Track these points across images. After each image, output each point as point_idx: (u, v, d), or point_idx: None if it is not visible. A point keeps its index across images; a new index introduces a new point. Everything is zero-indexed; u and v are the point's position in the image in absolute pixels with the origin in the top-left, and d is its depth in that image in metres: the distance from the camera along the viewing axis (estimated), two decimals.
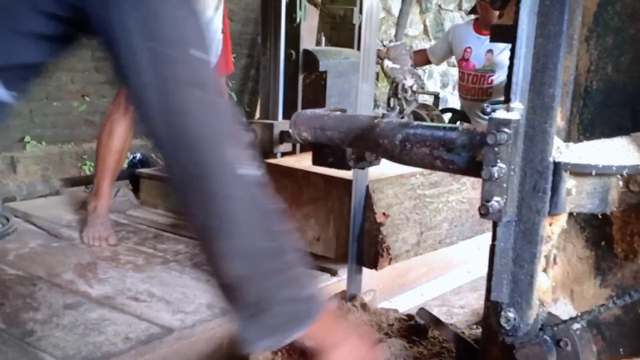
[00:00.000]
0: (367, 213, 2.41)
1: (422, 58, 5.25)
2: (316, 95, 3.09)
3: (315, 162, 1.91)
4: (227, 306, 1.14)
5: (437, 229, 2.52)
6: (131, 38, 0.93)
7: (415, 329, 2.06)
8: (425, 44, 8.25)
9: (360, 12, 3.95)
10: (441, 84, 8.65)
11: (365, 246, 2.40)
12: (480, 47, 4.81)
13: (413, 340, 2.00)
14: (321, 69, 3.14)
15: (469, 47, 4.85)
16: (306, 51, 3.17)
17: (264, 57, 3.09)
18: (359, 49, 3.85)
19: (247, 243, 1.06)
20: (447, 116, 4.93)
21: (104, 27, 0.94)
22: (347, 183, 2.42)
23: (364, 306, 2.15)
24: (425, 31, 8.27)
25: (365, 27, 1.93)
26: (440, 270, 3.02)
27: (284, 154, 3.00)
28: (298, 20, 3.11)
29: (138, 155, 4.14)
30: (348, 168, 1.88)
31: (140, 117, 1.01)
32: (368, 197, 2.39)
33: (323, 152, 1.87)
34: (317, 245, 2.60)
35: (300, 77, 3.21)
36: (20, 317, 2.30)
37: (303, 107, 3.01)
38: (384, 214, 2.39)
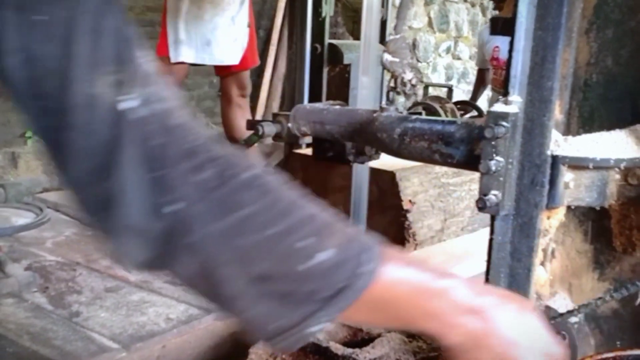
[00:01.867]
0: (393, 200, 2.54)
1: (481, 75, 5.76)
2: (339, 88, 3.20)
3: (316, 156, 1.92)
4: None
5: (460, 216, 2.62)
6: None
7: None
8: (430, 37, 8.23)
9: (382, 5, 4.03)
10: (446, 77, 8.64)
11: (390, 233, 2.50)
12: (507, 44, 4.97)
13: (413, 335, 2.00)
14: (345, 62, 3.23)
15: (497, 46, 5.31)
16: (331, 45, 3.25)
17: (290, 50, 3.23)
18: (381, 42, 3.95)
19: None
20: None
21: None
22: (374, 171, 2.51)
23: None
24: (430, 23, 8.25)
25: (365, 18, 1.93)
26: (458, 259, 3.07)
27: (309, 145, 3.08)
28: (324, 14, 3.19)
29: None
30: (348, 162, 1.88)
31: None
32: (395, 185, 2.51)
33: (323, 146, 1.88)
34: None
35: (325, 70, 3.27)
36: (65, 300, 2.48)
37: (327, 99, 3.05)
38: (410, 201, 2.51)
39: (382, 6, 3.82)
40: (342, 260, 0.82)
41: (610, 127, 1.34)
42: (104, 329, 2.27)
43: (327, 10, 3.19)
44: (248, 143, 3.17)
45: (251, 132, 2.55)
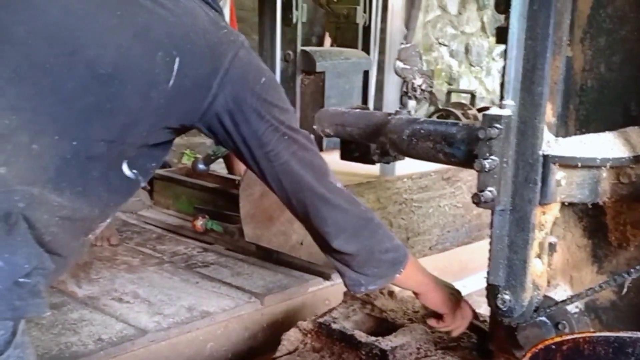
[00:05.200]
0: None
1: None
2: (314, 96, 3.07)
3: (343, 157, 2.05)
4: (338, 265, 1.53)
5: (426, 235, 2.41)
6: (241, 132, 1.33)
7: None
8: (483, 41, 8.25)
9: (365, 11, 3.82)
10: (500, 81, 8.61)
11: None
12: None
13: None
14: (318, 69, 3.09)
15: None
16: (303, 51, 3.14)
17: (260, 57, 3.11)
18: (363, 48, 3.75)
19: (349, 225, 1.46)
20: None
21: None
22: None
23: (391, 294, 2.25)
24: (483, 28, 8.27)
25: (389, 25, 2.03)
26: (454, 275, 2.96)
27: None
28: (295, 20, 3.08)
29: None
30: (372, 163, 2.00)
31: (263, 177, 1.41)
32: None
33: (349, 147, 2.00)
34: (300, 250, 2.49)
35: (299, 78, 3.18)
36: None
37: (301, 109, 3.01)
38: None
39: (364, 12, 3.77)
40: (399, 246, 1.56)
41: (604, 129, 1.43)
42: None
43: (299, 15, 3.08)
44: (216, 155, 3.20)
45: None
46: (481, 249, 2.89)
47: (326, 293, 2.60)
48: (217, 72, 1.25)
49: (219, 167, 3.75)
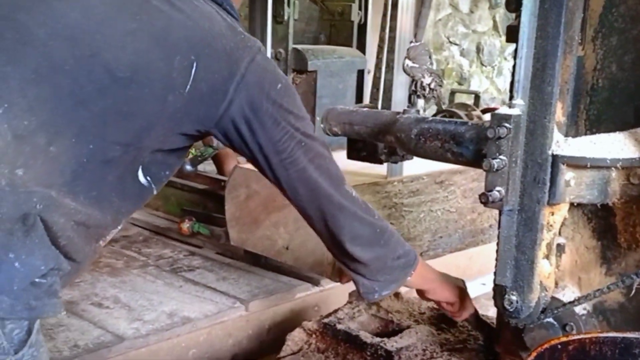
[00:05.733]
0: None
1: None
2: (306, 95, 2.97)
3: (350, 156, 2.04)
4: (352, 274, 1.56)
5: (417, 240, 2.28)
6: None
7: (445, 317, 2.14)
8: (495, 40, 8.22)
9: (360, 8, 3.76)
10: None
11: (330, 258, 2.16)
12: None
13: (442, 328, 2.08)
14: (310, 68, 3.02)
15: None
16: (295, 50, 3.06)
17: None
18: (358, 47, 3.68)
19: (365, 233, 1.49)
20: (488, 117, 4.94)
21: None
22: None
23: (396, 295, 2.24)
24: (495, 27, 8.23)
25: (400, 19, 2.02)
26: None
27: None
28: (286, 17, 3.01)
29: None
30: (380, 162, 1.99)
31: (279, 185, 1.42)
32: None
33: (356, 146, 2.00)
34: (286, 255, 2.37)
35: (290, 77, 3.10)
36: None
37: None
38: None
39: (360, 9, 3.70)
40: (409, 251, 1.61)
41: (615, 129, 1.42)
42: None
43: (291, 12, 3.00)
44: (203, 156, 3.10)
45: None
46: (478, 254, 2.87)
47: (315, 299, 2.54)
48: (234, 76, 1.26)
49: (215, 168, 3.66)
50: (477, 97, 5.56)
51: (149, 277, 2.68)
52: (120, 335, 2.21)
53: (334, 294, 2.53)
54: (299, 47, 3.10)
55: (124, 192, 1.26)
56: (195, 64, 1.22)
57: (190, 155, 3.03)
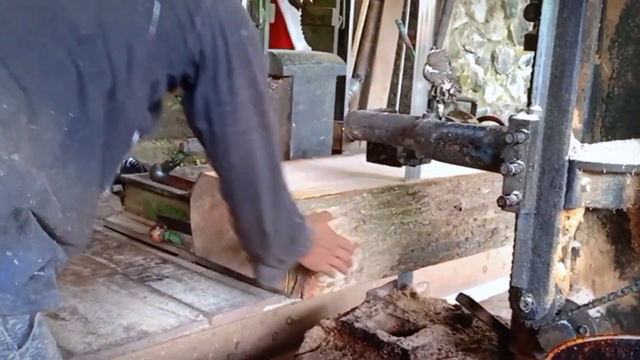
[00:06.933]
0: None
1: None
2: (282, 101, 2.83)
3: (369, 159, 2.08)
4: (253, 257, 1.65)
5: (386, 254, 2.16)
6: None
7: (460, 318, 2.17)
8: (509, 49, 8.25)
9: (341, 13, 3.73)
10: (525, 89, 8.61)
11: (290, 271, 2.06)
12: None
13: (457, 328, 2.12)
14: (286, 73, 2.88)
15: None
16: (271, 54, 2.96)
17: None
18: (339, 52, 3.60)
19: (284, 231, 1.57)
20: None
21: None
22: None
23: (413, 295, 2.28)
24: (510, 36, 8.26)
25: (420, 28, 2.05)
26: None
27: None
28: (261, 20, 2.89)
29: (129, 160, 3.77)
30: (399, 165, 2.03)
31: (210, 143, 1.36)
32: None
33: (376, 149, 2.03)
34: (249, 267, 2.02)
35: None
36: None
37: None
38: None
39: (340, 14, 3.67)
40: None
41: (630, 136, 1.46)
42: None
43: (266, 15, 2.89)
44: (174, 161, 2.96)
45: None
46: (463, 266, 2.83)
47: (288, 311, 2.43)
48: (200, 7, 1.23)
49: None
50: (473, 104, 5.48)
51: (113, 287, 2.51)
52: (69, 350, 2.03)
53: (307, 306, 2.47)
54: (275, 51, 3.01)
55: (109, 151, 1.24)
56: (157, 3, 1.19)
57: (162, 161, 2.97)
